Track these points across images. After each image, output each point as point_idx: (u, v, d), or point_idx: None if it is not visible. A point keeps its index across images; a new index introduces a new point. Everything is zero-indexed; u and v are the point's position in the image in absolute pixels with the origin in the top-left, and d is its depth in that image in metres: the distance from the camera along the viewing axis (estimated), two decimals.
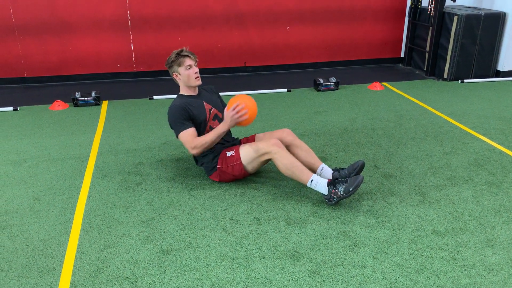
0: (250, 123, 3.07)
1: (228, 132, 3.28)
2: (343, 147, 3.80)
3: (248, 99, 3.02)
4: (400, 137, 3.99)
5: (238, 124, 3.02)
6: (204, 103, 3.15)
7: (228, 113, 2.99)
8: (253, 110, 3.01)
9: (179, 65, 3.06)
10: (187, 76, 3.08)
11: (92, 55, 5.80)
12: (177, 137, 3.07)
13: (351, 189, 2.76)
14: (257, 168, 3.12)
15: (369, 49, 6.60)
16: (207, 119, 3.13)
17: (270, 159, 2.99)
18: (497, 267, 2.34)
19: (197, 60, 3.11)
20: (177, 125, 3.03)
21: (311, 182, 2.87)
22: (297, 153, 3.11)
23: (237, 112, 2.96)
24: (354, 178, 2.80)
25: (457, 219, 2.76)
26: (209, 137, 3.00)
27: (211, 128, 3.13)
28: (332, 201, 2.85)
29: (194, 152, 3.03)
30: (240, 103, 2.97)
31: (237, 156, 3.05)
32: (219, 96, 3.40)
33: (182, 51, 3.08)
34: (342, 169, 3.07)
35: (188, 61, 3.05)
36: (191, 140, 3.00)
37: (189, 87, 3.15)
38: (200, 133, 3.12)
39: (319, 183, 2.86)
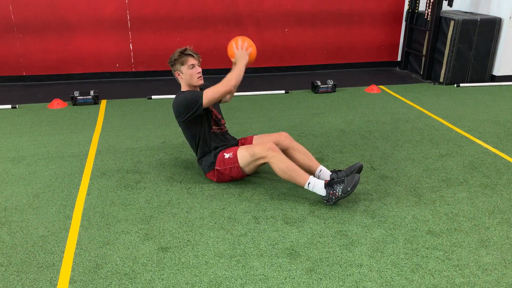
0: (255, 55, 3.14)
1: (227, 132, 3.30)
2: (340, 148, 3.84)
3: (242, 38, 3.12)
4: (396, 140, 4.03)
5: (249, 58, 3.06)
6: None
7: (238, 52, 3.04)
8: (251, 43, 3.11)
9: (182, 64, 3.03)
10: (190, 76, 3.05)
11: (91, 54, 5.82)
12: (200, 105, 2.96)
13: (349, 189, 2.80)
14: (254, 170, 3.14)
15: (367, 52, 6.66)
16: (211, 120, 3.14)
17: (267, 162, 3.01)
18: (491, 267, 2.38)
19: (200, 60, 3.09)
20: (193, 98, 2.97)
21: (308, 184, 2.88)
22: (294, 156, 3.12)
23: (242, 48, 3.03)
24: (350, 178, 2.83)
25: (452, 220, 2.80)
26: (234, 73, 3.00)
27: (217, 126, 3.17)
28: (330, 201, 2.88)
29: (232, 86, 2.99)
30: (236, 42, 3.07)
31: (235, 159, 3.05)
32: None
33: (185, 49, 3.05)
34: (340, 171, 3.10)
35: (191, 60, 3.03)
36: (214, 86, 2.99)
37: (191, 86, 3.13)
38: (204, 137, 3.11)
39: (317, 185, 2.88)
